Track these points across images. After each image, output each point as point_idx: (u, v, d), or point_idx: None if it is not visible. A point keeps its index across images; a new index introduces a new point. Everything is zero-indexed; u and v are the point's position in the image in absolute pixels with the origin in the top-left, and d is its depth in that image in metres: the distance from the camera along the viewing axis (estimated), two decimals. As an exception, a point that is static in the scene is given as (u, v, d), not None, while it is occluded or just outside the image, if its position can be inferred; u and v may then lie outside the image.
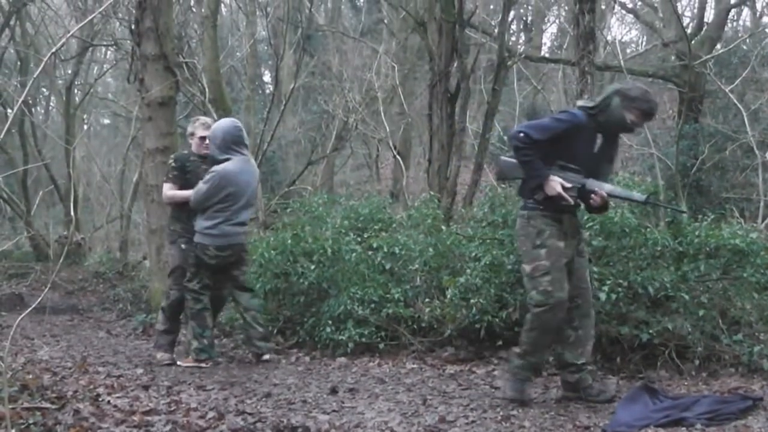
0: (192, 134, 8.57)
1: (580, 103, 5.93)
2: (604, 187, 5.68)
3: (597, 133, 5.74)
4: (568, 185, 5.60)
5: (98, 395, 6.30)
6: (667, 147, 15.54)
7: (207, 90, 12.87)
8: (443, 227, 9.25)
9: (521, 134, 5.59)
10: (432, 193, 11.09)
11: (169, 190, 8.43)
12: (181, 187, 8.33)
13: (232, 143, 8.21)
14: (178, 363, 8.22)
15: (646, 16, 21.21)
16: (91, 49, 21.98)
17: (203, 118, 8.86)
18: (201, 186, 8.07)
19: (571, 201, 5.62)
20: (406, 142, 22.25)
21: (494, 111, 13.14)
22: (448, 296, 8.11)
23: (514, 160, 5.89)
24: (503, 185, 9.24)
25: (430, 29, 13.02)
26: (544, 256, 5.68)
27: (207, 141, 8.35)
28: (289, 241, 9.24)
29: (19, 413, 5.22)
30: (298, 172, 19.84)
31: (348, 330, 8.29)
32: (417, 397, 6.23)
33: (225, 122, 8.50)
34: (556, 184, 5.58)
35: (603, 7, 21.58)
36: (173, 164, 8.50)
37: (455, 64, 12.56)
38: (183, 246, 8.32)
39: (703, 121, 16.55)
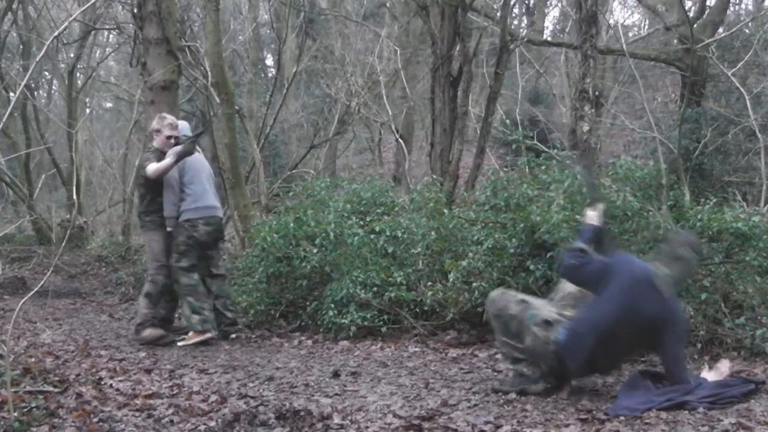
0: (159, 131, 8.90)
1: None
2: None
3: None
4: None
5: (101, 379, 6.32)
6: (670, 131, 15.50)
7: (209, 74, 12.82)
8: (445, 211, 9.23)
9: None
10: (434, 176, 11.08)
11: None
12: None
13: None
14: (179, 344, 8.44)
15: (648, -1, 21.14)
16: (93, 32, 21.93)
17: (170, 117, 9.13)
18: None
19: None
20: (408, 126, 22.21)
21: (496, 95, 13.12)
22: (451, 280, 8.12)
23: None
24: (506, 169, 9.24)
25: (433, 13, 12.99)
26: None
27: (172, 140, 8.80)
28: (292, 225, 9.25)
29: (21, 397, 5.23)
30: (300, 156, 19.82)
31: (350, 314, 8.30)
32: (419, 380, 6.24)
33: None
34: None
35: (606, -10, 21.52)
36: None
37: (458, 48, 12.54)
38: (170, 229, 8.70)
39: (705, 104, 16.51)
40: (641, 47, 19.90)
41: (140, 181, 8.96)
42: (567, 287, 5.85)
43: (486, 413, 5.07)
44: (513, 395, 5.55)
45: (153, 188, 8.67)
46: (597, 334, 5.21)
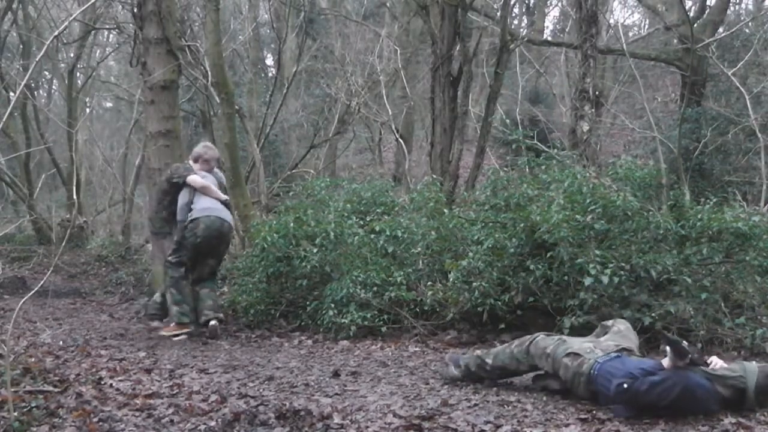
0: (203, 157, 9.25)
1: None
2: None
3: None
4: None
5: (101, 378, 6.31)
6: (670, 130, 15.52)
7: (209, 73, 12.82)
8: (445, 211, 9.23)
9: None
10: (434, 176, 11.10)
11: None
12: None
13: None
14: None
15: (648, -1, 21.15)
16: (93, 32, 21.92)
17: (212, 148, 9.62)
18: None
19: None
20: (408, 126, 22.21)
21: (496, 94, 13.13)
22: (451, 279, 8.12)
23: None
24: (506, 168, 9.25)
25: (433, 12, 13.00)
26: None
27: (214, 164, 9.32)
28: (292, 225, 9.25)
29: (21, 397, 5.23)
30: (300, 156, 19.82)
31: (350, 313, 8.30)
32: (419, 380, 6.23)
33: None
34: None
35: (606, -10, 21.54)
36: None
37: (458, 48, 12.55)
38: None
39: (705, 104, 16.54)
40: (641, 47, 19.93)
41: (164, 187, 9.16)
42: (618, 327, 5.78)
43: (486, 413, 5.06)
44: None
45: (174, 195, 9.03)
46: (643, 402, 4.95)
